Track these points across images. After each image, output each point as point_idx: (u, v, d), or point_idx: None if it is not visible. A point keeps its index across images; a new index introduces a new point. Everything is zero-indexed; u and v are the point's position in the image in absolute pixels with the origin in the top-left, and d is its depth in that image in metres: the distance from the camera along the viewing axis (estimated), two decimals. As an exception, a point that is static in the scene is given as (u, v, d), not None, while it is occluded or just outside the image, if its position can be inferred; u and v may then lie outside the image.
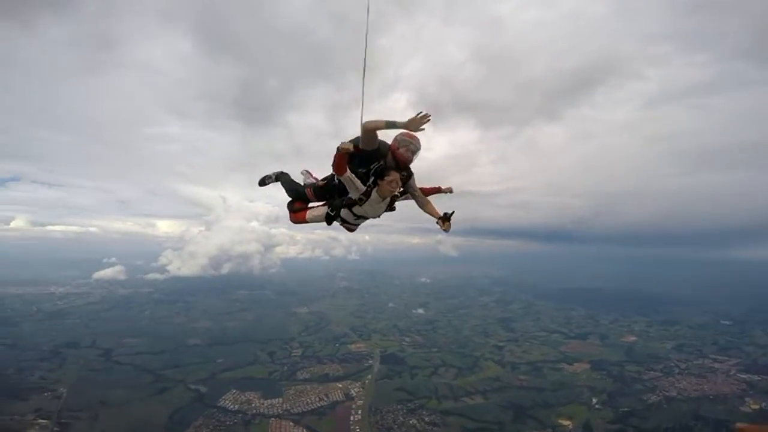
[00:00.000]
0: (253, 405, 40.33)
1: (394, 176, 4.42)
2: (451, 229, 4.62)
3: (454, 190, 5.87)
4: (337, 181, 4.76)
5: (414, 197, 5.09)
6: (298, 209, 5.21)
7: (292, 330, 67.72)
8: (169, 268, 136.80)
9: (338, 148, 3.93)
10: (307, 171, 5.74)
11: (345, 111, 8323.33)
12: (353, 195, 4.56)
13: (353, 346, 60.59)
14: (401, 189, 4.78)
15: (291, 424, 37.13)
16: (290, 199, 5.41)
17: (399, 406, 40.96)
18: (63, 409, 37.53)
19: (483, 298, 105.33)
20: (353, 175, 4.38)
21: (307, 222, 5.08)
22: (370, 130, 4.16)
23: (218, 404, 40.09)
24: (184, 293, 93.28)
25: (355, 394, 43.03)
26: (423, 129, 3.97)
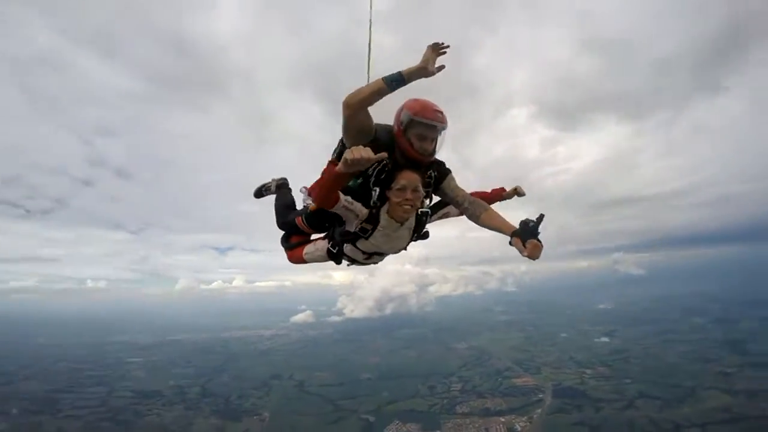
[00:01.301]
0: (413, 436, 39.81)
1: (408, 179, 2.76)
2: (540, 252, 2.48)
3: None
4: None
5: (460, 207, 3.13)
6: (294, 245, 3.60)
7: (451, 365, 66.13)
8: (344, 311, 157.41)
9: (343, 159, 2.33)
10: (307, 189, 3.74)
11: (467, 139, 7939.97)
12: (351, 225, 2.99)
13: (518, 380, 54.98)
14: (427, 200, 3.13)
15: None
16: (283, 233, 3.77)
17: (578, 443, 34.14)
18: (266, 431, 44.28)
19: (695, 319, 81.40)
20: (349, 198, 2.78)
21: (305, 262, 3.49)
22: (355, 106, 2.57)
23: (382, 434, 41.00)
24: (357, 333, 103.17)
25: (520, 429, 38.49)
26: (443, 67, 2.54)
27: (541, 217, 2.56)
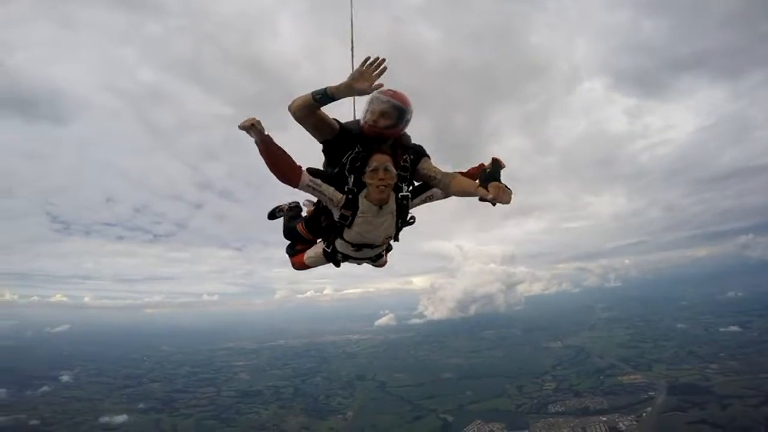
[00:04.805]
0: (497, 435, 37.67)
1: (378, 160, 2.86)
2: (508, 195, 2.53)
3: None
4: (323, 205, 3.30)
5: (433, 182, 3.19)
6: (298, 251, 3.79)
7: (544, 364, 61.80)
8: (425, 313, 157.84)
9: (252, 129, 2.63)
10: (310, 201, 4.17)
11: (538, 120, 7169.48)
12: (334, 212, 3.10)
13: (624, 378, 49.46)
14: (406, 185, 3.16)
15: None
16: (289, 242, 3.98)
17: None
18: (347, 429, 45.41)
19: None
20: (316, 180, 2.89)
21: (307, 266, 3.72)
22: (295, 114, 2.77)
23: (461, 433, 39.39)
24: (438, 334, 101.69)
25: (624, 428, 34.38)
26: (380, 85, 2.69)
27: (494, 161, 2.67)
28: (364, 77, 2.60)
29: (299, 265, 3.78)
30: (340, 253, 3.31)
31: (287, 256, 3.92)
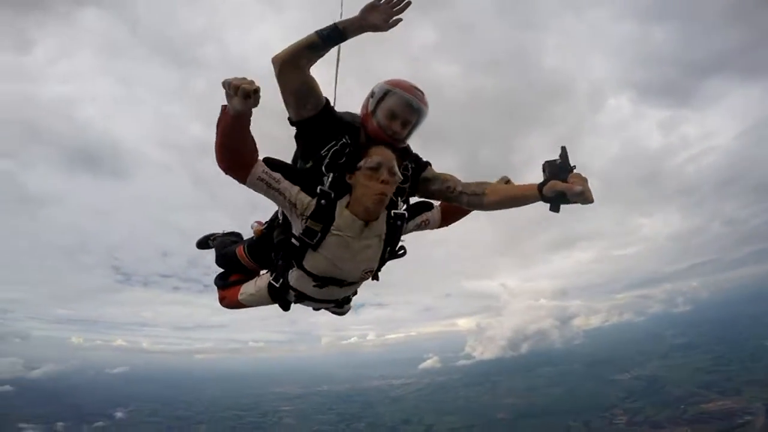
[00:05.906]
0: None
1: (384, 156, 2.03)
2: (589, 187, 1.74)
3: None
4: (280, 216, 2.31)
5: (453, 194, 2.31)
6: (231, 284, 2.77)
7: (611, 398, 56.41)
8: (474, 354, 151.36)
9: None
10: (260, 222, 3.01)
11: (570, 142, 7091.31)
12: (295, 225, 2.10)
13: (710, 405, 44.19)
14: (402, 202, 2.32)
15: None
16: (221, 270, 2.98)
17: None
18: None
19: None
20: (275, 174, 2.00)
21: (241, 305, 2.67)
22: (283, 59, 1.97)
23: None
24: (489, 375, 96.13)
25: None
26: (398, 21, 2.00)
27: (564, 149, 1.88)
28: (379, 10, 1.92)
29: (230, 302, 2.70)
30: (294, 290, 2.25)
31: (216, 288, 2.85)
